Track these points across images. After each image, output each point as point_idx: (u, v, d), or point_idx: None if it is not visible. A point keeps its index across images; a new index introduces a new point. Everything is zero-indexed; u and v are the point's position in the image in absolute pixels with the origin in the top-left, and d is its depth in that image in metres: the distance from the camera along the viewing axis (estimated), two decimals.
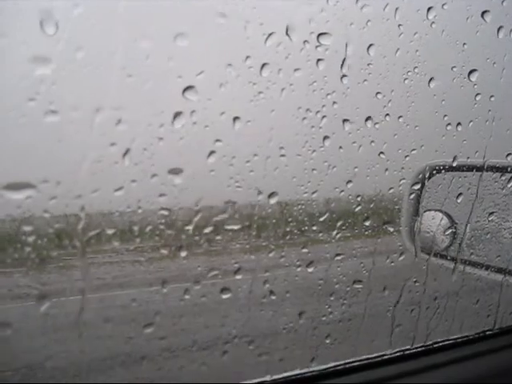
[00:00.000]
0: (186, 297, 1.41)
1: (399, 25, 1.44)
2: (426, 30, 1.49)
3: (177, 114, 1.24)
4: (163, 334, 1.43)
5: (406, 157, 1.65)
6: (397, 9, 1.41)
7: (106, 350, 1.52)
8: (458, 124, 1.66)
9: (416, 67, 1.53)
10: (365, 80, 1.46)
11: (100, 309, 1.47)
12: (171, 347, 1.58)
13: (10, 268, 1.44)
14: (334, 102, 1.42)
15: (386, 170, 1.61)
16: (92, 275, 1.48)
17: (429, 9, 1.48)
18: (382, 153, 1.58)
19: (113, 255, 1.65)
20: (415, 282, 1.71)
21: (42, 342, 1.46)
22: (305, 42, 1.34)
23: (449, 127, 1.63)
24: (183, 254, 1.42)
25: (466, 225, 1.92)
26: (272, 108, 1.34)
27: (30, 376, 1.36)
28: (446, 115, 1.60)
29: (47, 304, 1.23)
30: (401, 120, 1.57)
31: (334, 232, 1.58)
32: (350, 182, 1.58)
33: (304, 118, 1.40)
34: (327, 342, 1.55)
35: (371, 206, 1.73)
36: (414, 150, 1.66)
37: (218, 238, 1.44)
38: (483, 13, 1.54)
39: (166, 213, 1.33)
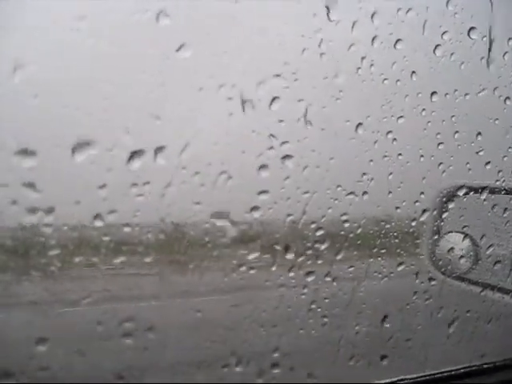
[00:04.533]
0: (198, 313, 1.37)
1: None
2: None
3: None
4: (170, 349, 1.39)
5: (443, 172, 1.61)
6: None
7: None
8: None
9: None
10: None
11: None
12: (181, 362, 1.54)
13: (22, 276, 1.40)
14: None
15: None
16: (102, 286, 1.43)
17: None
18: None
19: (126, 268, 1.60)
20: (440, 306, 1.67)
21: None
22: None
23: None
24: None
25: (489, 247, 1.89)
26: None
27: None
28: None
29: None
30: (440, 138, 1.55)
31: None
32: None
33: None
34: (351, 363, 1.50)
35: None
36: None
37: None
38: None
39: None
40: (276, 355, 1.38)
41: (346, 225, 1.52)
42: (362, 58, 1.32)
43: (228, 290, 1.49)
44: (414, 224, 1.75)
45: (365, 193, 1.45)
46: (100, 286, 1.45)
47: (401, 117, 1.48)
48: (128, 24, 1.15)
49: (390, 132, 1.46)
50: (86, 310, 1.33)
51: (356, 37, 1.31)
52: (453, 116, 1.58)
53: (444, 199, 1.83)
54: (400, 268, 1.68)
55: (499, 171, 1.69)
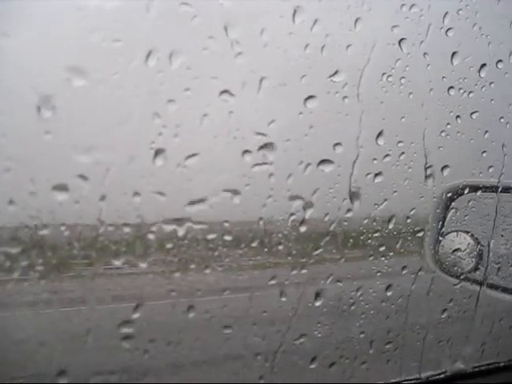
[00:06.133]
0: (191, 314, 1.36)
1: None
2: None
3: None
4: (167, 349, 1.38)
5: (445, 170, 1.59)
6: None
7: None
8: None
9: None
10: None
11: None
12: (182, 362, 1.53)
13: (22, 276, 1.39)
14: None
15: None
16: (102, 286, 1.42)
17: None
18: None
19: (125, 267, 1.59)
20: (444, 306, 1.65)
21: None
22: None
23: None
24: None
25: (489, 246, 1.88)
26: None
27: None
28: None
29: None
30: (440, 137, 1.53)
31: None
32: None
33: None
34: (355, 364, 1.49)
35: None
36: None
37: None
38: None
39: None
40: (277, 356, 1.37)
41: (350, 225, 1.50)
42: (364, 55, 1.30)
43: (229, 290, 1.48)
44: (418, 223, 1.74)
45: (368, 192, 1.43)
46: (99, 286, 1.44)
47: (403, 116, 1.46)
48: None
49: (392, 130, 1.44)
50: (86, 310, 1.32)
51: (358, 33, 1.29)
52: (457, 117, 1.56)
53: (448, 198, 1.81)
54: (403, 268, 1.67)
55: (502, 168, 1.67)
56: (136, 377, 1.35)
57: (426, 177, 1.55)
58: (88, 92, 1.11)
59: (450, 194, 1.80)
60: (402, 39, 1.37)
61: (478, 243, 1.92)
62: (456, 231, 1.91)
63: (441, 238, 1.89)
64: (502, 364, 1.56)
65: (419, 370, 1.46)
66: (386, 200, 1.50)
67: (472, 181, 1.79)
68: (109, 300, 1.47)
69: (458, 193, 1.81)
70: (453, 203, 1.82)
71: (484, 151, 1.61)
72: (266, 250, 1.41)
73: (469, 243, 1.92)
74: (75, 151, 1.13)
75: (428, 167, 1.53)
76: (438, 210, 1.82)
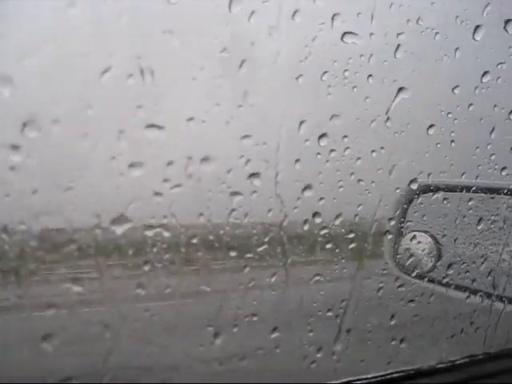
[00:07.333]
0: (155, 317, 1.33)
1: None
2: None
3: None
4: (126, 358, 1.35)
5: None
6: None
7: None
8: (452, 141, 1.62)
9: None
10: None
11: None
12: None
13: None
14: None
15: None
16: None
17: None
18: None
19: (92, 271, 1.56)
20: (402, 306, 1.64)
21: None
22: None
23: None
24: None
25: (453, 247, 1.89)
26: None
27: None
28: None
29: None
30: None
31: None
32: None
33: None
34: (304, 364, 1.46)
35: None
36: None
37: None
38: None
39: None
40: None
41: (307, 227, 1.49)
42: (306, 48, 1.29)
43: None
44: (377, 224, 1.73)
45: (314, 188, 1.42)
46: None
47: (348, 110, 1.45)
48: None
49: (337, 124, 1.42)
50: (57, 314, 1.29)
51: (299, 25, 1.27)
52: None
53: (406, 198, 1.81)
54: (362, 268, 1.66)
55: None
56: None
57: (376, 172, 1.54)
58: (14, 82, 1.07)
59: (410, 193, 1.80)
60: (345, 33, 1.35)
61: (437, 243, 1.93)
62: (415, 231, 1.92)
63: (400, 239, 1.90)
64: (456, 363, 1.55)
65: (371, 370, 1.44)
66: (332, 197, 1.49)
67: (433, 180, 1.80)
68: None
69: (418, 192, 1.81)
70: (411, 203, 1.83)
71: (431, 147, 1.61)
72: (209, 247, 1.38)
73: (428, 243, 1.93)
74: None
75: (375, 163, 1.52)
76: (396, 211, 1.82)
